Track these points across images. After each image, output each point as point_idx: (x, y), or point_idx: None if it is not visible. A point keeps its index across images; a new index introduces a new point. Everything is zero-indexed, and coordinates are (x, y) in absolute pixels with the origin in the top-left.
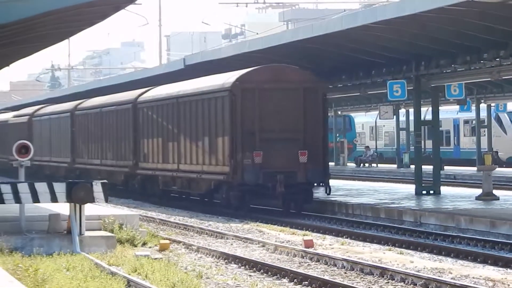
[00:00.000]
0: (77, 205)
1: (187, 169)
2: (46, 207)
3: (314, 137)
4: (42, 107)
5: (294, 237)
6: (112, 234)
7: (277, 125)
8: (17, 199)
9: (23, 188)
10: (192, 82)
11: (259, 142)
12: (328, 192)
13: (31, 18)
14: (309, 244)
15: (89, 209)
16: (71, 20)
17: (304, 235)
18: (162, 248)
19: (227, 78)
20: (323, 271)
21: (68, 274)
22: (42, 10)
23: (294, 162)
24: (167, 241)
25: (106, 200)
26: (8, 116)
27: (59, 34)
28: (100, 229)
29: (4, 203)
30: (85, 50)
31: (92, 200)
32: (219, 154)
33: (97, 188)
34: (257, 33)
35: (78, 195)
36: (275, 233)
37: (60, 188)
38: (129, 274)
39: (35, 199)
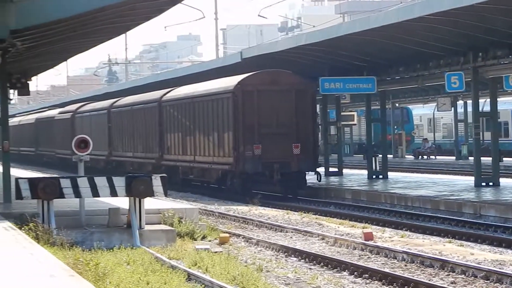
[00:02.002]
0: (137, 199)
1: (201, 160)
2: (106, 201)
3: (305, 131)
4: (83, 105)
5: (353, 230)
6: (172, 228)
7: (274, 122)
8: (77, 193)
9: (83, 182)
10: (204, 84)
11: (258, 136)
12: (319, 179)
13: (87, 13)
14: (368, 236)
15: (148, 203)
16: (128, 14)
17: (363, 228)
18: (222, 242)
19: (231, 82)
20: (383, 263)
21: (128, 268)
22: (98, 5)
23: (289, 153)
24: (227, 235)
25: (166, 194)
26: (54, 112)
27: (116, 28)
28: (160, 223)
29: (64, 197)
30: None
31: (151, 194)
32: (225, 147)
33: (157, 182)
34: (314, 26)
35: (138, 189)
36: (334, 226)
37: (119, 182)
38: (190, 268)
39: (95, 193)
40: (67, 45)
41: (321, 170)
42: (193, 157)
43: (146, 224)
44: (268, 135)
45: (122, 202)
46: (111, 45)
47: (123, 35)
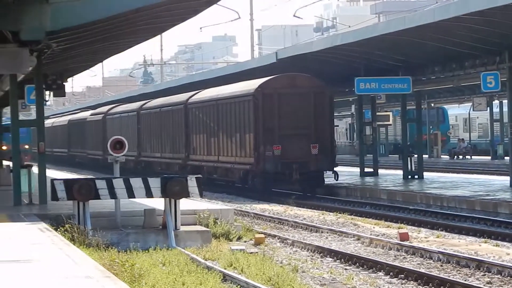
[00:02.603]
0: (172, 200)
1: (224, 160)
2: (141, 202)
3: (323, 132)
4: (113, 107)
5: (389, 230)
6: (207, 229)
7: (293, 123)
8: (113, 194)
9: (118, 183)
10: (227, 87)
11: (278, 137)
12: (336, 178)
13: (123, 14)
14: (404, 237)
15: (184, 203)
16: (163, 15)
17: (399, 228)
18: (257, 242)
19: (251, 85)
20: (419, 264)
21: (164, 269)
22: (134, 6)
23: (307, 153)
24: (262, 235)
25: (201, 195)
26: (86, 114)
27: (151, 29)
28: (195, 224)
29: (99, 198)
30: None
31: (187, 195)
32: (246, 147)
33: (192, 182)
34: (349, 26)
35: (173, 190)
36: (370, 226)
37: (155, 183)
38: (225, 269)
39: (130, 194)
40: (102, 46)
41: (343, 169)
42: (217, 157)
43: (181, 225)
44: (288, 136)
45: (158, 203)
46: (146, 46)
47: (159, 36)
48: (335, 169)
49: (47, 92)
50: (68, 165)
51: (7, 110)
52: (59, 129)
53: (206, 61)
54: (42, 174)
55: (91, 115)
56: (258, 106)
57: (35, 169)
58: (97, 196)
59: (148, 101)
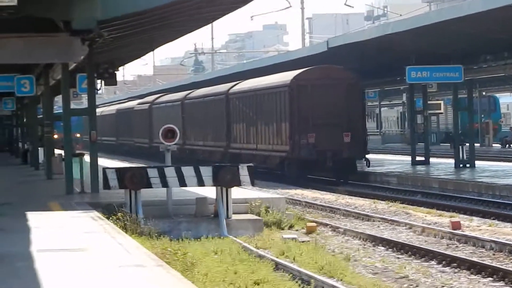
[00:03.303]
0: (224, 189)
1: (262, 148)
2: (193, 190)
3: (354, 121)
4: (159, 96)
5: (441, 219)
6: (259, 217)
7: (326, 113)
8: (164, 183)
9: (170, 172)
10: (265, 78)
11: (312, 126)
12: (368, 165)
13: (174, 2)
14: (456, 225)
15: (235, 192)
16: (214, 4)
17: (451, 217)
18: (309, 231)
19: (287, 76)
20: (471, 253)
21: (216, 258)
22: None
23: (340, 141)
24: (314, 224)
25: (252, 183)
26: (133, 103)
27: (202, 18)
28: (247, 212)
29: (151, 187)
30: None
31: (238, 183)
32: (282, 136)
33: (243, 171)
34: (400, 15)
35: (225, 178)
36: (421, 215)
37: (206, 171)
38: (277, 257)
39: (182, 183)
40: (153, 35)
41: (394, 158)
42: (256, 145)
43: (233, 213)
44: (321, 125)
45: (209, 191)
46: (197, 35)
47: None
48: (366, 156)
49: (98, 81)
50: (116, 153)
51: (58, 99)
52: (107, 118)
53: (256, 50)
54: (94, 163)
55: (138, 104)
56: (293, 96)
57: (86, 158)
58: (149, 185)
59: (192, 91)
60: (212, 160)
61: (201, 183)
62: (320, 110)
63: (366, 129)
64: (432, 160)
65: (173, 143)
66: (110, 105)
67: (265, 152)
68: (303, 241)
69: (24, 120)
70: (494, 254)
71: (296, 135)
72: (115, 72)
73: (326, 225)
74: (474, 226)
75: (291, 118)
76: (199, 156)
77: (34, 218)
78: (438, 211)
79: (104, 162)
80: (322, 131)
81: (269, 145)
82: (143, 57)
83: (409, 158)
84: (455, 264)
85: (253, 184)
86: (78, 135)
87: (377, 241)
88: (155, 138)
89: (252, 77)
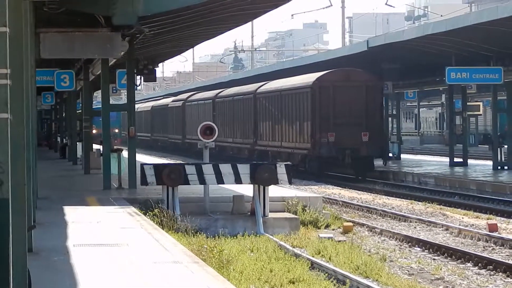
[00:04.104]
0: (261, 187)
1: (286, 146)
2: (230, 188)
3: (373, 121)
4: (192, 94)
5: (478, 221)
6: (296, 216)
7: (346, 113)
8: (202, 180)
9: (208, 169)
10: (289, 79)
11: (332, 125)
12: (385, 163)
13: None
14: (493, 228)
15: (272, 190)
16: (256, 2)
17: (488, 219)
18: (346, 231)
19: (310, 78)
20: (507, 255)
21: (252, 255)
22: None
23: (359, 140)
24: (351, 224)
25: (290, 182)
26: (168, 100)
27: (244, 15)
28: (284, 211)
29: (189, 184)
30: (268, 31)
31: (276, 181)
32: (304, 134)
33: (281, 169)
34: (441, 15)
35: (262, 176)
36: (458, 217)
37: (244, 169)
38: (313, 256)
39: (219, 180)
40: (194, 32)
41: (432, 159)
42: (280, 143)
43: (270, 211)
44: (341, 124)
45: (246, 189)
46: (237, 32)
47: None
48: (383, 155)
49: (137, 77)
50: (151, 149)
51: (97, 94)
52: (143, 114)
53: (296, 48)
54: (132, 159)
55: (172, 101)
56: (315, 97)
57: (124, 153)
58: (186, 182)
59: (223, 90)
60: (240, 157)
61: (238, 180)
62: (340, 110)
63: (384, 129)
64: (470, 161)
65: (212, 140)
66: (146, 101)
67: (289, 149)
68: (339, 241)
69: (63, 115)
70: None
71: (317, 134)
72: (155, 68)
73: (362, 225)
74: (511, 228)
75: (313, 118)
76: (228, 153)
77: (72, 213)
78: (475, 213)
79: (140, 157)
80: (342, 130)
81: (292, 142)
82: (182, 54)
83: (447, 159)
84: (491, 267)
85: (290, 182)
86: (116, 130)
87: (413, 242)
88: (187, 135)
89: (292, 76)
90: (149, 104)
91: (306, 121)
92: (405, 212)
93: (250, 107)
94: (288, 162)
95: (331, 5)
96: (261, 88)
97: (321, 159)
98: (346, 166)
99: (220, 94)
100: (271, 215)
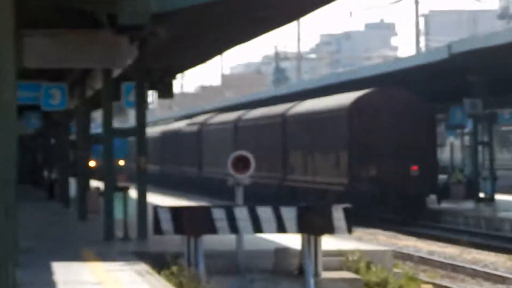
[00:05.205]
0: (312, 237)
1: (319, 181)
2: (270, 238)
3: (424, 152)
4: (211, 116)
5: None
6: (358, 276)
7: (390, 142)
8: (234, 228)
9: (241, 213)
10: (322, 100)
11: (374, 156)
12: (439, 202)
13: None
14: None
15: (326, 241)
16: None
17: None
18: None
19: (347, 99)
20: None
21: None
22: None
23: (406, 175)
24: (431, 286)
25: (350, 231)
26: (181, 124)
27: (287, 13)
28: (342, 269)
29: (216, 232)
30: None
31: (331, 230)
32: (340, 167)
33: (338, 214)
34: None
35: (313, 223)
36: None
37: (289, 213)
38: None
39: (257, 228)
40: (223, 34)
41: (501, 198)
42: (313, 177)
43: (323, 269)
44: (384, 155)
45: (291, 240)
46: (279, 35)
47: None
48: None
49: (150, 92)
50: (162, 185)
51: (97, 115)
52: (151, 142)
53: (356, 55)
54: (142, 200)
55: (187, 125)
56: (353, 122)
57: (132, 193)
58: (213, 230)
59: (247, 112)
60: (265, 195)
61: (282, 228)
62: (383, 138)
63: (437, 161)
64: None
65: (247, 174)
66: (157, 125)
67: (323, 185)
68: None
69: (52, 142)
70: None
71: (356, 167)
72: (172, 81)
73: None
74: None
75: (350, 147)
76: (251, 190)
77: (63, 271)
78: None
79: (150, 197)
80: (385, 162)
81: (327, 177)
82: (208, 63)
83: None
84: None
85: (350, 231)
86: (121, 162)
87: None
88: (205, 167)
89: (346, 91)
90: (158, 129)
91: (342, 150)
92: (502, 272)
93: (278, 133)
94: (348, 205)
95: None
96: (292, 109)
97: (360, 197)
98: (390, 206)
99: (243, 117)
100: (325, 274)
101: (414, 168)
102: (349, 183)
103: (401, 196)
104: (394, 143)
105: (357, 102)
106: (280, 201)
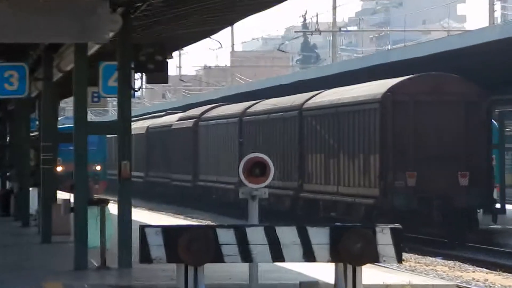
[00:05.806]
0: (350, 267)
1: (344, 192)
2: (293, 268)
3: (476, 156)
4: (210, 108)
5: None
6: None
7: (434, 143)
8: (246, 255)
9: (256, 235)
10: (350, 88)
11: (413, 161)
12: (494, 220)
13: None
14: None
15: (368, 272)
16: None
17: None
18: None
19: (379, 88)
20: None
21: None
22: None
23: (453, 184)
24: None
25: (400, 259)
26: (172, 119)
27: None
28: None
29: (223, 261)
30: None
31: (375, 258)
32: (370, 174)
33: (384, 237)
34: None
35: (351, 249)
36: None
37: (319, 236)
38: None
39: (277, 255)
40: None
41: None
42: (336, 187)
43: None
44: (426, 160)
45: (323, 270)
46: (307, 3)
47: None
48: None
49: (137, 75)
50: (145, 196)
51: (66, 105)
52: (134, 140)
53: (409, 28)
54: (125, 216)
55: (179, 120)
56: (386, 117)
57: (112, 208)
58: (218, 257)
59: (256, 103)
60: (276, 209)
61: (309, 256)
62: (425, 139)
63: (492, 167)
64: None
65: (263, 185)
66: (142, 118)
67: (348, 198)
68: None
69: (7, 140)
70: None
71: (389, 174)
72: (166, 60)
73: None
74: None
75: (383, 149)
76: (260, 203)
77: None
78: None
79: (134, 213)
80: (427, 168)
81: (354, 187)
82: (214, 37)
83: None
84: None
85: (400, 259)
86: (98, 167)
87: None
88: (201, 174)
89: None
90: (143, 125)
91: (372, 154)
92: None
93: (293, 131)
94: (397, 225)
95: None
96: (310, 101)
97: (395, 213)
98: (433, 224)
99: (250, 110)
100: None
101: (464, 175)
102: (380, 196)
103: (447, 211)
104: (438, 144)
105: (392, 91)
106: (294, 217)
